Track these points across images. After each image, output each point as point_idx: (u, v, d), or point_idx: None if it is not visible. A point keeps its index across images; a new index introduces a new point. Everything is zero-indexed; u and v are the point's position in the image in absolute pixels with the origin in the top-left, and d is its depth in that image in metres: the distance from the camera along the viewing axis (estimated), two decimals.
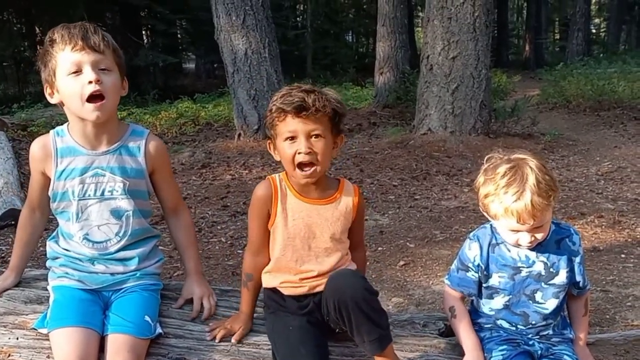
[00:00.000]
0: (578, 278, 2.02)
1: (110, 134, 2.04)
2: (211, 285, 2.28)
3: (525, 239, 1.90)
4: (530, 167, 1.86)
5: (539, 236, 1.91)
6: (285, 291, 2.01)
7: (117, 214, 2.05)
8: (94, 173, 2.03)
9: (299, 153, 1.88)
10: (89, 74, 1.91)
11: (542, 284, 1.99)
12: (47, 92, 2.01)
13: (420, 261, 4.28)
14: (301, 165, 1.90)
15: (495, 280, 2.02)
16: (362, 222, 2.12)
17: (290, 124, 1.88)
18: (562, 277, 1.99)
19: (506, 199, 1.84)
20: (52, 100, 2.00)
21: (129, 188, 2.05)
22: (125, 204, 2.06)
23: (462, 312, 2.07)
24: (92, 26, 1.96)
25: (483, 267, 2.02)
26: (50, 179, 2.05)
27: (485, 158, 1.99)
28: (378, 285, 3.76)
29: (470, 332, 2.02)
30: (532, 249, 1.98)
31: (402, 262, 4.26)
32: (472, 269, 2.05)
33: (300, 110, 1.86)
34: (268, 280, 2.05)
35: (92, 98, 1.93)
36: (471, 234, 2.09)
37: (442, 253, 4.38)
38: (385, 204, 5.71)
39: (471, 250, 2.05)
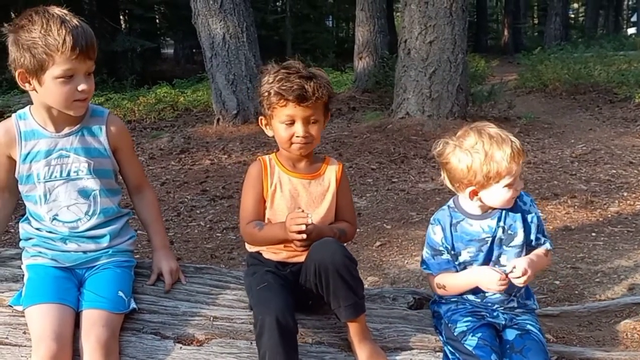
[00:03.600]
0: (532, 237, 2.10)
1: (73, 116, 2.06)
2: (185, 263, 2.32)
3: (520, 185, 2.00)
4: (484, 123, 2.04)
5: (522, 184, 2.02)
6: (267, 255, 2.10)
7: (84, 193, 2.08)
8: (59, 155, 2.05)
9: (297, 136, 2.02)
10: (81, 82, 1.94)
11: (504, 247, 2.06)
12: (19, 76, 1.96)
13: (396, 242, 4.35)
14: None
15: (465, 256, 2.08)
16: (348, 197, 2.21)
17: (290, 110, 2.00)
18: (520, 237, 2.07)
19: (505, 149, 1.93)
20: (25, 87, 1.98)
21: (94, 168, 2.08)
22: (91, 183, 2.08)
23: (443, 276, 2.12)
24: (89, 28, 1.96)
25: (450, 248, 2.09)
26: (16, 162, 2.06)
27: (436, 152, 2.06)
28: None
29: (458, 274, 2.09)
30: (491, 217, 2.06)
31: (378, 243, 4.32)
32: (444, 251, 2.10)
33: (301, 99, 1.98)
34: (253, 248, 2.15)
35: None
36: (432, 218, 2.15)
37: (417, 234, 4.45)
38: (364, 187, 5.77)
39: (436, 235, 2.11)
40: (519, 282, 1.95)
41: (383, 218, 4.87)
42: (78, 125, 2.08)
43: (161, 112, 10.11)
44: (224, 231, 4.75)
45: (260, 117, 2.15)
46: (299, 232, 1.87)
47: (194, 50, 21.75)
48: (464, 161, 1.97)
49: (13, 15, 16.98)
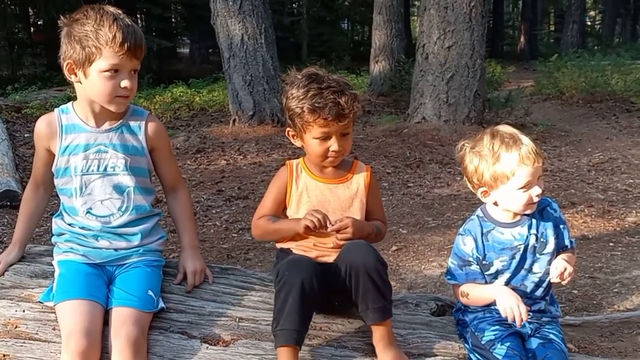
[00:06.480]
0: (566, 242, 2.12)
1: (114, 113, 2.11)
2: (211, 264, 2.35)
3: (537, 189, 1.99)
4: (503, 126, 2.06)
5: (542, 187, 2.01)
6: (296, 251, 2.11)
7: (119, 189, 2.12)
8: (97, 149, 2.10)
9: (332, 151, 2.03)
10: (125, 80, 2.00)
11: (537, 254, 2.08)
12: (67, 67, 2.02)
13: (412, 247, 4.35)
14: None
15: (497, 265, 2.09)
16: (378, 199, 2.24)
17: (326, 126, 2.00)
18: (552, 245, 2.09)
19: (513, 151, 1.95)
20: (71, 78, 2.04)
21: (130, 165, 2.12)
22: (127, 180, 2.12)
23: (469, 286, 2.13)
24: (139, 30, 2.02)
25: (481, 258, 2.09)
26: (54, 156, 2.11)
27: (457, 154, 2.10)
28: None
29: (484, 285, 2.10)
30: (521, 225, 2.07)
31: (394, 248, 4.33)
32: (473, 262, 2.11)
33: (339, 118, 1.98)
34: (283, 244, 2.17)
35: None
36: (461, 229, 2.16)
37: (434, 239, 4.46)
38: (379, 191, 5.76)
39: (467, 245, 2.11)
40: (567, 280, 1.99)
41: (399, 223, 4.87)
42: (118, 123, 2.13)
43: (177, 111, 10.15)
44: (240, 232, 4.77)
45: (287, 129, 2.15)
46: (309, 228, 1.94)
47: (209, 50, 21.83)
48: (473, 162, 2.03)
49: (31, 12, 17.14)
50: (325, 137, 2.02)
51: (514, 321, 1.93)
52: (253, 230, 2.20)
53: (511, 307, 1.94)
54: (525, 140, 1.99)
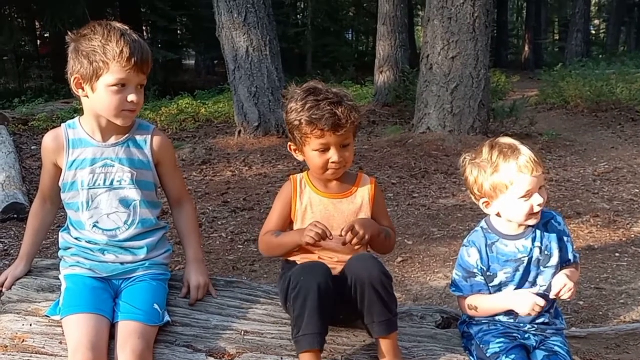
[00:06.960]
0: (570, 256, 2.12)
1: (120, 128, 2.13)
2: (216, 277, 2.35)
3: (538, 198, 1.98)
4: (503, 138, 2.07)
5: (545, 197, 2.01)
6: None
7: (125, 203, 2.14)
8: (104, 164, 2.12)
9: (332, 162, 2.03)
10: (132, 94, 2.02)
11: (541, 267, 2.08)
12: (75, 82, 2.04)
13: (418, 258, 4.35)
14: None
15: (501, 277, 2.09)
16: (384, 211, 2.24)
17: (324, 138, 2.01)
18: (556, 258, 2.09)
19: (511, 161, 1.97)
20: (78, 93, 2.06)
21: (137, 178, 2.14)
22: (133, 193, 2.14)
23: (476, 297, 2.14)
24: (146, 45, 2.05)
25: (486, 269, 2.10)
26: (61, 171, 2.13)
27: (461, 167, 2.13)
28: None
29: (492, 295, 2.11)
30: (525, 237, 2.07)
31: (400, 259, 4.32)
32: (478, 274, 2.12)
33: (336, 128, 1.98)
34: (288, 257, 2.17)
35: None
36: (465, 240, 2.17)
37: (439, 250, 4.45)
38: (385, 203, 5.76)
39: (471, 257, 2.12)
40: (567, 296, 1.99)
41: (404, 234, 4.87)
42: (125, 137, 2.15)
43: (183, 122, 10.19)
44: (246, 243, 4.78)
45: (289, 144, 2.17)
46: (311, 243, 1.94)
47: (215, 62, 21.93)
48: (473, 173, 2.07)
49: (38, 25, 17.29)
50: (324, 149, 2.03)
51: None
52: (259, 246, 2.21)
53: (533, 308, 1.97)
54: (524, 150, 2.00)
